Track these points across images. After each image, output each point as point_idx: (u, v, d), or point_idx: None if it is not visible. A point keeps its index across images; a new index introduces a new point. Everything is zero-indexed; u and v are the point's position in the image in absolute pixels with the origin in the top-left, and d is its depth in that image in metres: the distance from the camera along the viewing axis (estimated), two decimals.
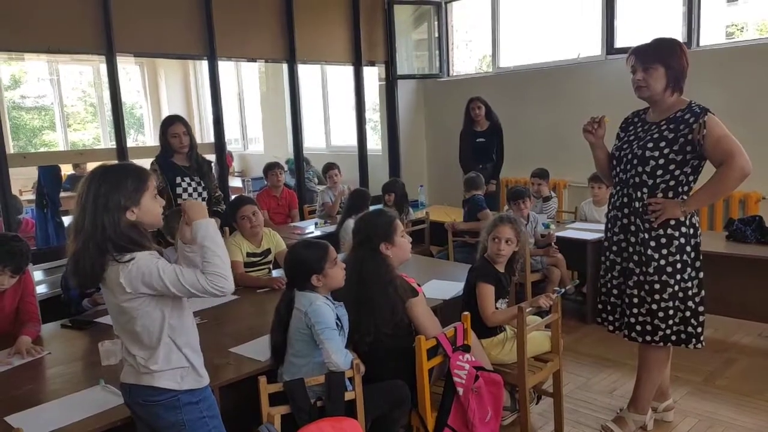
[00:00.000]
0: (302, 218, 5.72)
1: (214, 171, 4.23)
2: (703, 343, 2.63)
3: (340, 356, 2.10)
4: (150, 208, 1.73)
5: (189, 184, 3.71)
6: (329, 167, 5.81)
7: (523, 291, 4.12)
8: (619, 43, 5.50)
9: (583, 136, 2.77)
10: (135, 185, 1.70)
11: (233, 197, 4.22)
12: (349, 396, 2.13)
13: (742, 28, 5.99)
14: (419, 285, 2.53)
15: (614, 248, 2.73)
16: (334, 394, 2.08)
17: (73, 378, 2.19)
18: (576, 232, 4.52)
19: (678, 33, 5.13)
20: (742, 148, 2.46)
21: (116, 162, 1.90)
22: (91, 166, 8.50)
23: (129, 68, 9.60)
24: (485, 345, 2.70)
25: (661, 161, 2.54)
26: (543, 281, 4.35)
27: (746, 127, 4.79)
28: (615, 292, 2.76)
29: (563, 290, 2.87)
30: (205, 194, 3.77)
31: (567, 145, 5.75)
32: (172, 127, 3.70)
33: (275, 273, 3.50)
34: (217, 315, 2.85)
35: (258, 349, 2.34)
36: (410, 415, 2.35)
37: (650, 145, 2.57)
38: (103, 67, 5.65)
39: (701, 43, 5.14)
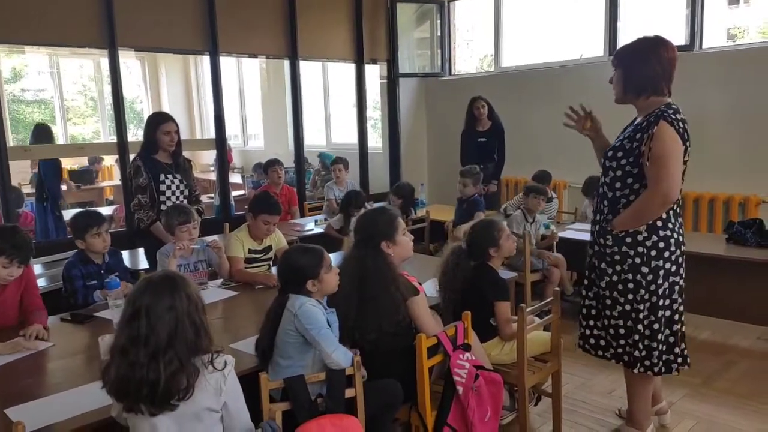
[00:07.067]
0: (302, 215, 5.72)
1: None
2: (655, 371, 2.47)
3: (339, 354, 2.10)
4: None
5: (172, 182, 3.73)
6: (335, 161, 5.78)
7: (523, 291, 4.11)
8: (622, 44, 5.46)
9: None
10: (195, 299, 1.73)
11: (259, 193, 4.27)
12: (349, 393, 2.13)
13: (744, 30, 6.00)
14: (420, 283, 2.53)
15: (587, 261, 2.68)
16: (334, 391, 2.08)
17: (73, 372, 2.19)
18: (576, 232, 4.53)
19: (681, 35, 5.12)
20: (672, 173, 2.24)
21: (167, 272, 1.91)
22: (106, 160, 8.41)
23: (130, 62, 9.57)
24: (485, 345, 2.70)
25: (619, 173, 2.37)
26: (543, 281, 4.35)
27: (748, 129, 4.82)
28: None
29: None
30: (186, 192, 3.81)
31: (567, 146, 5.73)
32: (165, 124, 3.72)
33: (274, 270, 3.50)
34: (216, 311, 2.85)
35: None
36: (410, 414, 2.35)
37: (610, 154, 2.42)
38: (104, 61, 5.65)
39: (704, 46, 5.14)
